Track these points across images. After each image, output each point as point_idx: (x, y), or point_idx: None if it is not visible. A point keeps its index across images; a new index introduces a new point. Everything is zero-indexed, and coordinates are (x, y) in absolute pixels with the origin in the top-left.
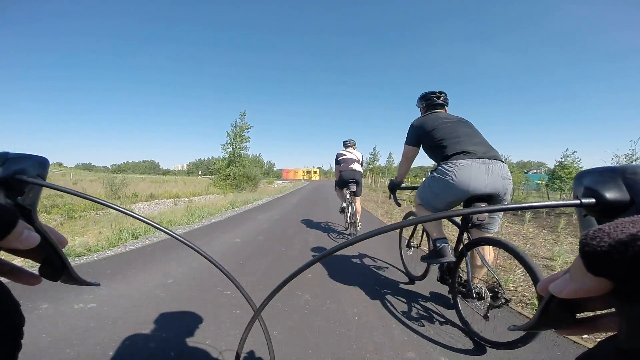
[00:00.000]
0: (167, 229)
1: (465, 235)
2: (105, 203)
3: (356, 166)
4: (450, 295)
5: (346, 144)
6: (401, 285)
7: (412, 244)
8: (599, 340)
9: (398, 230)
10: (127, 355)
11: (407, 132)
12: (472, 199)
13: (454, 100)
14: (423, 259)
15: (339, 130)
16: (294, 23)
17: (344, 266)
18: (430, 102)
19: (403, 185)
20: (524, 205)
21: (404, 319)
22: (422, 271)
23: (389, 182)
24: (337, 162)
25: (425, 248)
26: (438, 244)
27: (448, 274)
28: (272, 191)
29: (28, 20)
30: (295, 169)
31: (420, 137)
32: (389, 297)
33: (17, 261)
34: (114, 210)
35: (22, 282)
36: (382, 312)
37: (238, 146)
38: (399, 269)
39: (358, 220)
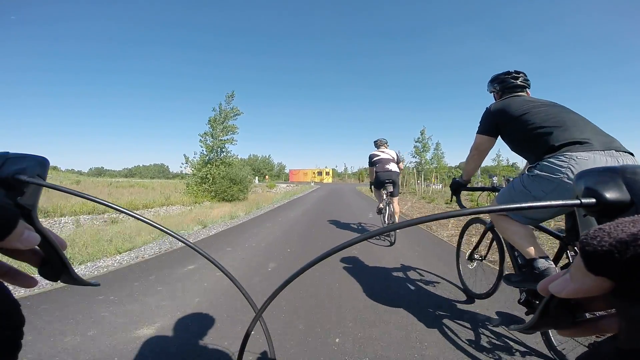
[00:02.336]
0: (168, 229)
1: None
2: (105, 203)
3: (392, 166)
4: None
5: (377, 144)
6: (460, 306)
7: (475, 256)
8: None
9: (457, 239)
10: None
11: (480, 119)
12: None
13: (476, 101)
14: (513, 282)
15: (356, 131)
16: (306, 27)
17: (385, 281)
18: (505, 84)
19: (470, 185)
20: (523, 205)
21: (473, 351)
22: (488, 287)
23: (451, 181)
24: (372, 163)
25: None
26: (539, 265)
27: (535, 295)
28: (250, 206)
29: (40, 23)
30: (304, 169)
31: (501, 124)
32: (447, 321)
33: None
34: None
35: (18, 284)
36: (443, 343)
37: (221, 138)
38: (452, 283)
39: (396, 221)
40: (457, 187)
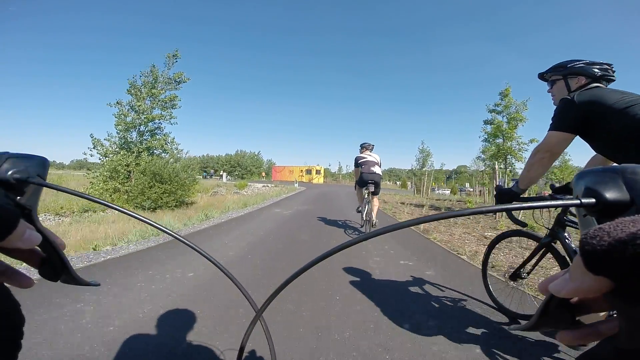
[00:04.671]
0: (167, 228)
1: None
2: (105, 203)
3: (376, 169)
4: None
5: (365, 147)
6: (502, 327)
7: (523, 274)
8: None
9: (483, 254)
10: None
11: (555, 113)
12: None
13: (474, 103)
14: None
15: (351, 131)
16: (306, 23)
17: (406, 299)
18: (606, 74)
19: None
20: (524, 205)
21: None
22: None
23: (496, 188)
24: (358, 164)
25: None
26: None
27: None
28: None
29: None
30: (290, 166)
31: (592, 118)
32: (496, 350)
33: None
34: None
35: (15, 284)
36: None
37: (149, 114)
38: (482, 302)
39: (374, 217)
40: (512, 196)
